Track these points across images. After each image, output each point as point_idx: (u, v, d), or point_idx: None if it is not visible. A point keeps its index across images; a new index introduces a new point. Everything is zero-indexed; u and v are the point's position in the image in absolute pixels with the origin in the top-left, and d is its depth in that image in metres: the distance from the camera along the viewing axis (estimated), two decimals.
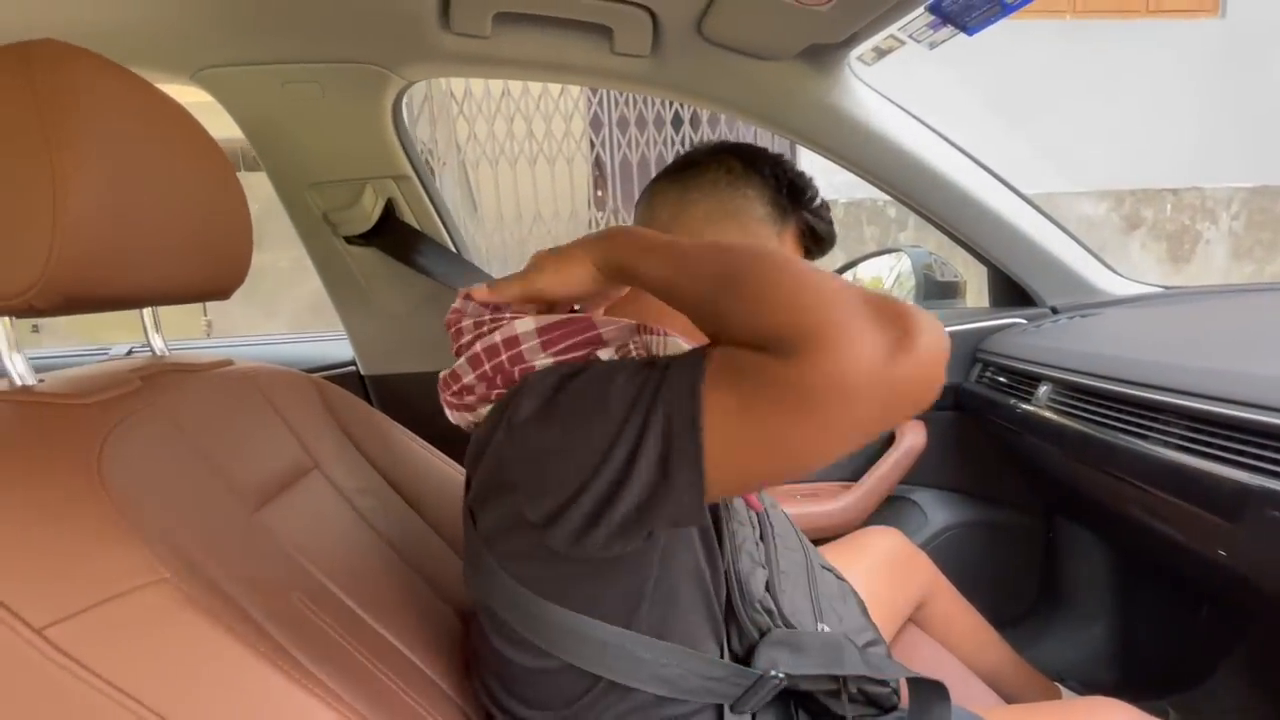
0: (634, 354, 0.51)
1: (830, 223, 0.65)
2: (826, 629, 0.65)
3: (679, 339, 0.51)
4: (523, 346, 0.52)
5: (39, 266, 0.46)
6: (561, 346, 0.51)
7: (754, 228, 0.61)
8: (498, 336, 0.52)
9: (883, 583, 0.89)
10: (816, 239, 0.65)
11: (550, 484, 0.45)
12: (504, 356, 0.52)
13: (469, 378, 0.54)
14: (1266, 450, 0.63)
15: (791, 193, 0.63)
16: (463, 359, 0.55)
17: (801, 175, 0.65)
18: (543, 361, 0.51)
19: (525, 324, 0.52)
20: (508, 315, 0.54)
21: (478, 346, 0.53)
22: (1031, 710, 0.79)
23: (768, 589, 0.63)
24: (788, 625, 0.61)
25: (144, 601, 0.42)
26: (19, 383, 0.52)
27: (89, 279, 0.49)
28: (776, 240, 0.62)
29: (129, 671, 0.41)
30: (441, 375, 0.57)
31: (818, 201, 0.65)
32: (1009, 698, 0.92)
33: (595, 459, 0.43)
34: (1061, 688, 1.03)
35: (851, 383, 0.36)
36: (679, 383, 0.41)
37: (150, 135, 0.56)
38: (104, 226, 0.49)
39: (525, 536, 0.48)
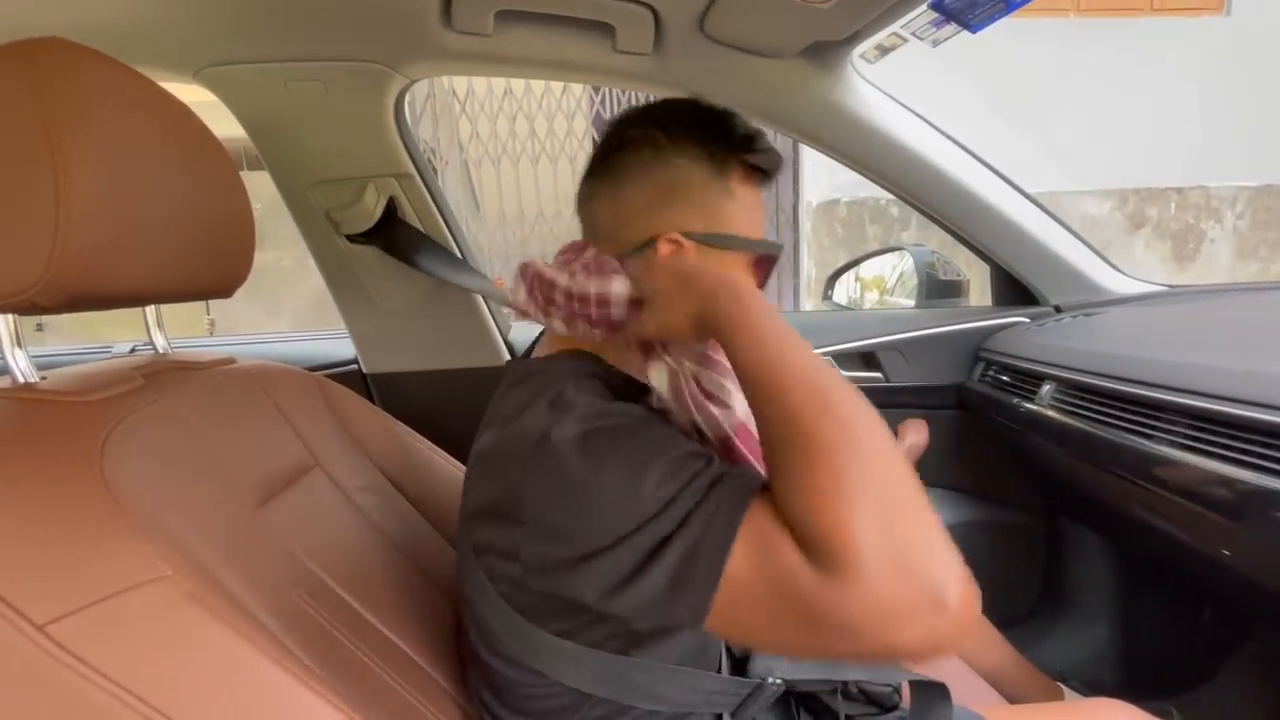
0: (683, 392, 0.51)
1: (768, 150, 0.60)
2: None
3: (729, 383, 0.51)
4: (611, 309, 0.54)
5: (42, 264, 0.46)
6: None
7: (699, 195, 0.57)
8: (592, 288, 0.55)
9: None
10: (762, 171, 0.61)
11: (555, 539, 0.45)
12: (592, 310, 0.54)
13: (559, 295, 0.56)
14: (1271, 449, 0.63)
15: (721, 139, 0.58)
16: (563, 275, 0.56)
17: (725, 115, 0.59)
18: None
19: (620, 287, 0.54)
20: (610, 269, 0.56)
21: (572, 283, 0.55)
22: (1034, 711, 0.78)
23: None
24: None
25: (145, 598, 0.42)
26: (21, 380, 0.52)
27: (91, 276, 0.49)
28: (726, 197, 0.58)
29: (130, 668, 0.41)
30: (531, 267, 0.59)
31: (751, 137, 0.59)
32: (1011, 697, 0.92)
33: (607, 541, 0.42)
34: (1065, 688, 1.03)
35: (888, 634, 0.36)
36: (723, 507, 0.41)
37: (153, 134, 0.56)
38: (107, 224, 0.49)
39: (517, 566, 0.48)
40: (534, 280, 0.58)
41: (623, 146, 0.59)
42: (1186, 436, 0.72)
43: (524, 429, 0.48)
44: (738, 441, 0.51)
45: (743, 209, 0.59)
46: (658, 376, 0.53)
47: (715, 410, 0.51)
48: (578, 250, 0.60)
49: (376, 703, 0.51)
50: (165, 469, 0.52)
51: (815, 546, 0.37)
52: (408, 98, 0.99)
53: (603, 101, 4.34)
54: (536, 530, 0.46)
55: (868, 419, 0.41)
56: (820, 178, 4.37)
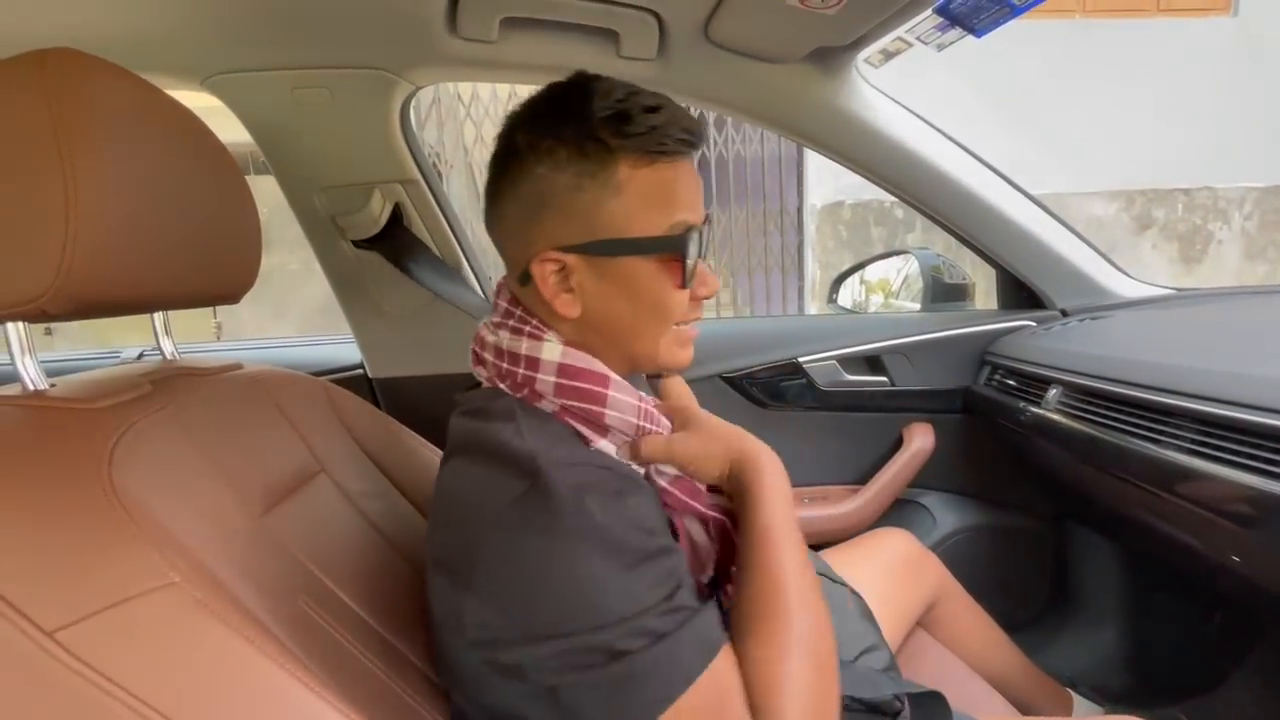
0: (620, 456, 0.53)
1: (656, 125, 0.49)
2: None
3: (668, 439, 0.55)
4: (538, 375, 0.52)
5: (52, 272, 0.46)
6: (569, 405, 0.52)
7: (568, 202, 0.51)
8: (523, 348, 0.53)
9: (892, 584, 0.89)
10: (668, 152, 0.51)
11: (503, 612, 0.45)
12: (520, 370, 0.53)
13: (488, 355, 0.56)
14: (1278, 454, 0.62)
15: (584, 128, 0.50)
16: (489, 335, 0.56)
17: (589, 97, 0.50)
18: (549, 400, 0.52)
19: (552, 352, 0.53)
20: (541, 329, 0.54)
21: (505, 339, 0.54)
22: None
23: None
24: None
25: (154, 605, 0.43)
26: (31, 387, 0.52)
27: (101, 284, 0.49)
28: (609, 195, 0.50)
29: (139, 674, 0.41)
30: (485, 324, 0.58)
31: (625, 114, 0.50)
32: (1018, 702, 0.92)
33: (564, 629, 0.43)
34: (1074, 694, 1.02)
35: None
36: (694, 647, 0.44)
37: (162, 141, 0.56)
38: (116, 232, 0.49)
39: (459, 636, 0.48)
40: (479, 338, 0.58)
41: (495, 160, 0.54)
42: (1194, 442, 0.72)
43: (492, 484, 0.47)
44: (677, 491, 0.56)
45: (638, 201, 0.51)
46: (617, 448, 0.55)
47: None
48: (500, 288, 0.59)
49: (380, 707, 0.51)
50: (172, 476, 0.52)
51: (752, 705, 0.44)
52: (413, 103, 1.00)
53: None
54: (485, 600, 0.46)
55: (821, 610, 0.50)
56: (825, 180, 4.37)
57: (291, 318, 4.83)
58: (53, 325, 0.56)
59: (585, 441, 0.53)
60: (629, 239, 0.51)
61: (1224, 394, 0.70)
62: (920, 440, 1.19)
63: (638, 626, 0.43)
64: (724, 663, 0.44)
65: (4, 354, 0.52)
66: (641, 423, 0.54)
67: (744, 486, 0.54)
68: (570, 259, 0.52)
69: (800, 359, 1.20)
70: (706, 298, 0.57)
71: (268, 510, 0.60)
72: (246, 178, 0.67)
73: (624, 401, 0.53)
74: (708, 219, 0.56)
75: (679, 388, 0.69)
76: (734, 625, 0.48)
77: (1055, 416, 0.95)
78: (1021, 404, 1.03)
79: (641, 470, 0.55)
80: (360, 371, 1.21)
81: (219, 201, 0.63)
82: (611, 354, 0.55)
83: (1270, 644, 0.99)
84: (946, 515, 1.23)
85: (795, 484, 1.21)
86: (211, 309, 0.67)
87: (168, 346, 0.72)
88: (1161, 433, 0.76)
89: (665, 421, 0.57)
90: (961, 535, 1.21)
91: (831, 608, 0.72)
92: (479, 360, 0.57)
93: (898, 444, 1.21)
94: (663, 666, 0.42)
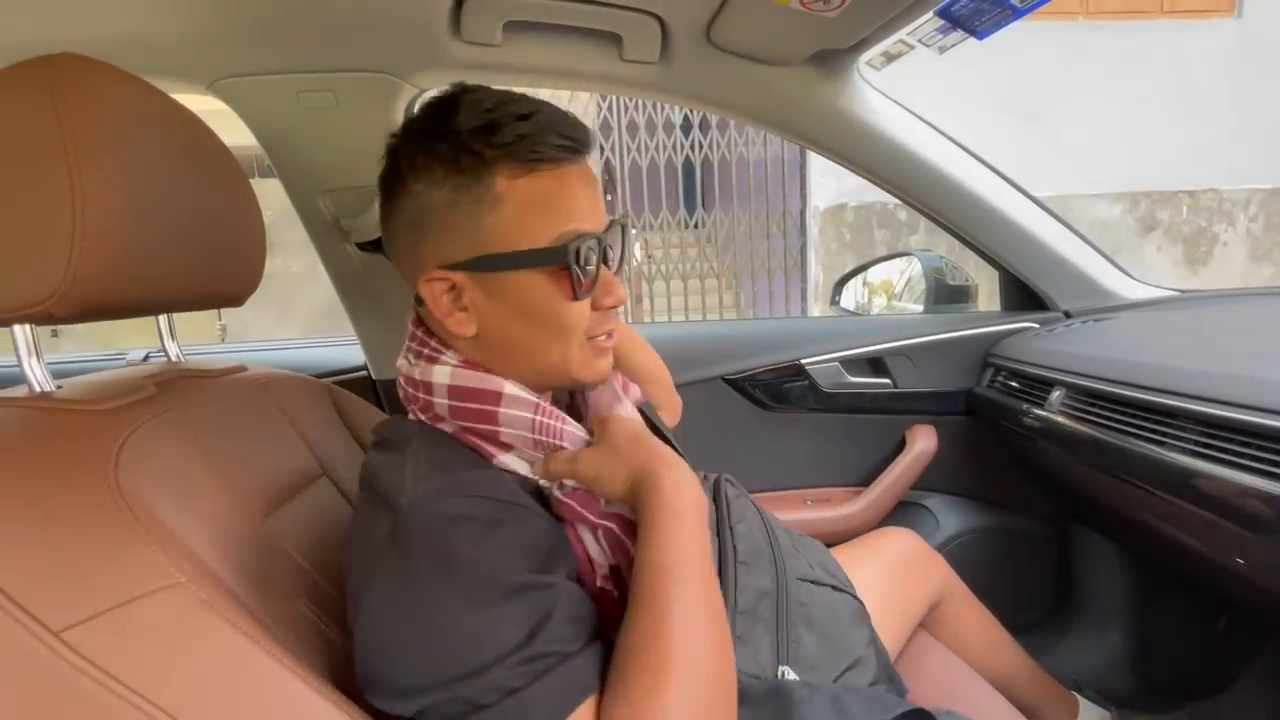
0: (529, 471, 0.53)
1: (522, 136, 0.48)
2: (789, 671, 0.62)
3: (574, 444, 0.54)
4: (433, 399, 0.53)
5: (59, 276, 0.47)
6: (466, 426, 0.53)
7: (448, 219, 0.49)
8: (416, 373, 0.54)
9: (896, 583, 0.88)
10: (546, 159, 0.49)
11: (368, 650, 0.46)
12: (419, 395, 0.54)
13: (400, 381, 0.57)
14: None
15: (458, 144, 0.48)
16: (403, 365, 0.57)
17: (454, 109, 0.49)
18: (448, 422, 0.53)
19: (442, 374, 0.53)
20: (439, 350, 0.55)
21: (406, 365, 0.56)
22: None
23: None
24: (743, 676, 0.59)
25: (160, 605, 0.43)
26: (38, 389, 0.53)
27: (107, 287, 0.50)
28: (487, 208, 0.49)
29: (145, 673, 0.41)
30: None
31: (494, 124, 0.48)
32: (1023, 705, 0.91)
33: (420, 682, 0.43)
34: (1079, 697, 1.02)
35: None
36: (551, 700, 0.42)
37: (168, 145, 0.57)
38: (123, 236, 0.50)
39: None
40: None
41: (381, 181, 0.54)
42: (1198, 444, 0.71)
43: (366, 523, 0.49)
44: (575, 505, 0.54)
45: (518, 213, 0.49)
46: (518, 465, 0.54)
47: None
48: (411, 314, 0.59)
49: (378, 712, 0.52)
50: (176, 477, 0.53)
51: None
52: (416, 105, 1.00)
53: (609, 109, 4.37)
54: (364, 647, 0.46)
55: (718, 661, 0.46)
56: (827, 183, 4.37)
57: (295, 320, 4.85)
58: (58, 327, 0.56)
59: (489, 458, 0.53)
60: (511, 253, 0.49)
61: (1228, 396, 0.69)
62: (923, 442, 1.19)
63: (491, 679, 0.42)
64: (584, 714, 0.42)
65: (10, 356, 0.52)
66: (538, 436, 0.53)
67: (639, 512, 0.50)
68: (458, 276, 0.51)
69: (803, 361, 1.20)
70: (612, 308, 0.55)
71: (270, 513, 0.61)
72: (250, 181, 0.68)
73: (517, 417, 0.52)
74: (614, 224, 0.54)
75: (646, 365, 0.69)
76: (611, 670, 0.45)
77: (1059, 418, 0.94)
78: (1025, 406, 1.03)
79: (550, 484, 0.55)
80: (364, 373, 1.22)
81: (224, 205, 0.63)
82: (519, 369, 0.54)
83: (1276, 647, 0.98)
84: (949, 517, 1.22)
85: (798, 486, 1.22)
86: (216, 311, 0.67)
87: (173, 349, 0.72)
88: (1165, 435, 0.76)
89: (573, 430, 0.55)
90: (965, 537, 1.21)
91: (826, 619, 0.71)
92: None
93: (900, 446, 1.21)
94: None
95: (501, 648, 0.43)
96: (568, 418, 0.55)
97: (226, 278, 0.65)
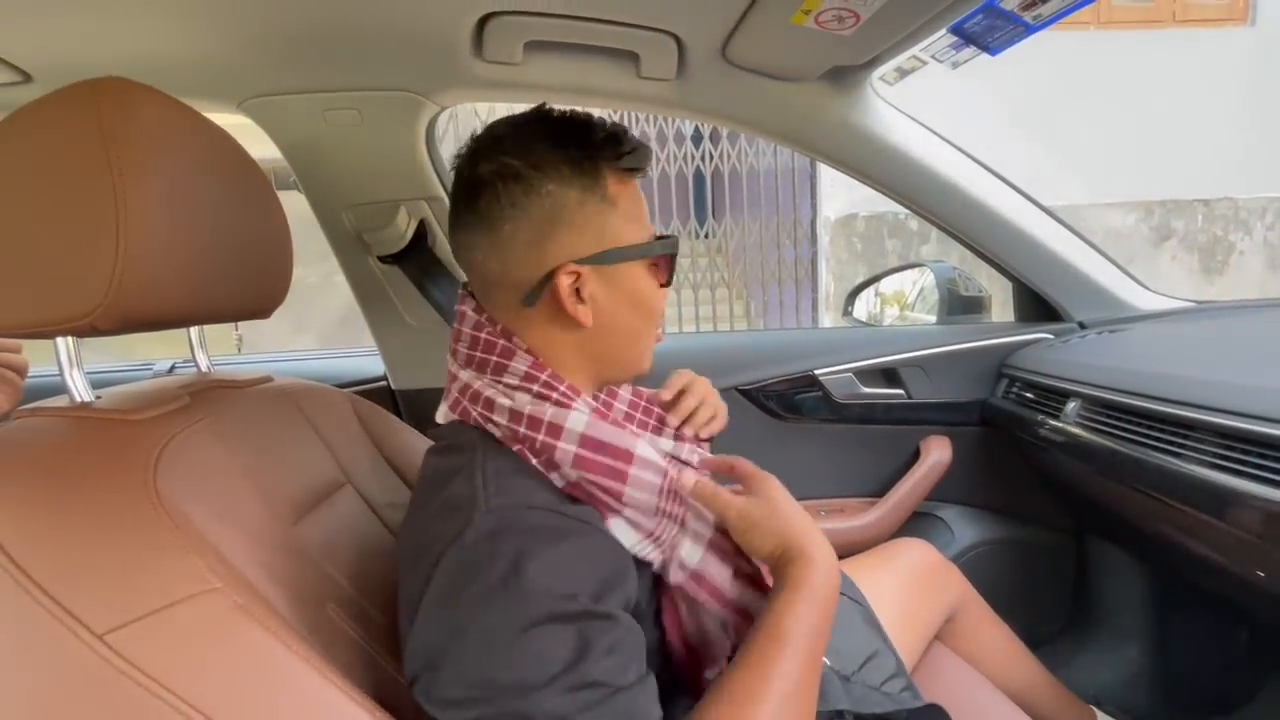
0: (644, 545, 0.52)
1: (635, 147, 0.57)
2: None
3: (697, 516, 0.54)
4: (557, 443, 0.51)
5: (102, 290, 0.48)
6: (588, 477, 0.51)
7: (580, 216, 0.54)
8: (547, 414, 0.52)
9: (911, 594, 0.88)
10: (639, 171, 0.58)
11: (427, 651, 0.46)
12: (540, 436, 0.52)
13: (502, 420, 0.53)
14: None
15: (589, 150, 0.55)
16: (503, 398, 0.54)
17: (585, 121, 0.56)
18: (567, 470, 0.51)
19: (577, 421, 0.52)
20: (565, 389, 0.54)
21: (527, 407, 0.53)
22: None
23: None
24: None
25: (198, 609, 0.44)
26: (79, 399, 0.54)
27: (147, 301, 0.52)
28: (608, 208, 0.55)
29: (184, 676, 0.42)
30: (471, 385, 0.56)
31: (617, 136, 0.56)
32: (1041, 718, 0.91)
33: (465, 692, 0.43)
34: (1098, 712, 1.01)
35: None
36: None
37: (204, 164, 0.59)
38: (163, 251, 0.52)
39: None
40: (465, 392, 0.57)
41: (484, 185, 0.54)
42: (1216, 455, 0.71)
43: (439, 525, 0.48)
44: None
45: (625, 214, 0.56)
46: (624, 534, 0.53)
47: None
48: (485, 322, 0.58)
49: (405, 714, 0.53)
50: (210, 485, 0.54)
51: None
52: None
53: (620, 119, 4.39)
54: (418, 636, 0.47)
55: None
56: (838, 193, 4.37)
57: (310, 330, 4.90)
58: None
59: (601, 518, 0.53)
60: (634, 245, 0.57)
61: (1246, 408, 0.69)
62: (937, 453, 1.19)
63: (541, 702, 0.42)
64: None
65: (47, 366, 0.54)
66: (663, 504, 0.53)
67: (783, 579, 0.51)
68: (585, 270, 0.55)
69: (816, 371, 1.20)
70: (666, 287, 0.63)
71: (297, 520, 0.62)
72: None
73: (648, 481, 0.53)
74: None
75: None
76: (695, 713, 0.45)
77: (1074, 429, 0.94)
78: (1040, 417, 1.02)
79: (657, 560, 0.54)
80: (384, 383, 1.23)
81: (255, 219, 0.65)
82: (602, 363, 0.59)
83: None
84: (965, 529, 1.22)
85: (812, 497, 1.23)
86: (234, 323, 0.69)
87: (203, 360, 0.74)
88: (1183, 446, 0.76)
89: (698, 507, 0.56)
90: (980, 549, 1.21)
91: (840, 616, 0.72)
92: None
93: (915, 457, 1.21)
94: None
95: (552, 669, 0.43)
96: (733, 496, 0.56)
97: (256, 290, 0.67)
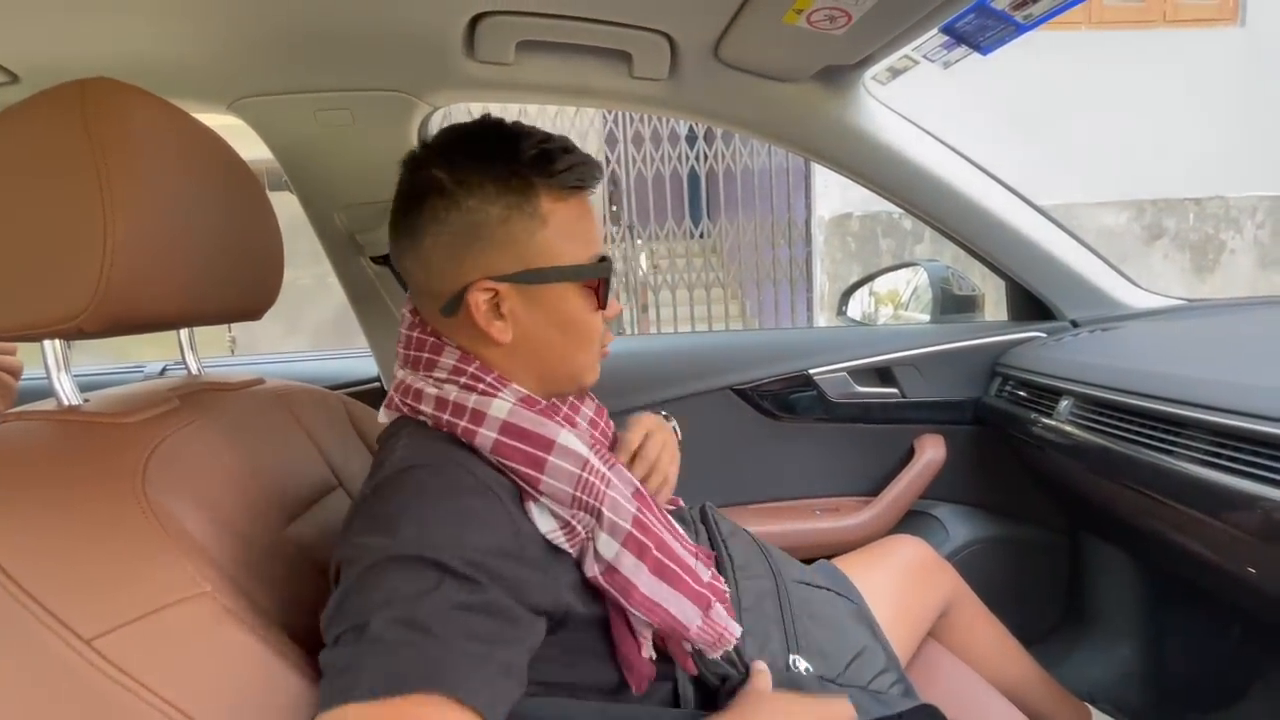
0: (559, 534, 0.53)
1: (573, 164, 0.56)
2: (798, 660, 0.65)
3: (613, 510, 0.54)
4: (478, 429, 0.53)
5: (89, 293, 0.48)
6: (507, 464, 0.52)
7: (501, 234, 0.54)
8: (471, 402, 0.54)
9: (905, 590, 0.88)
10: (581, 188, 0.57)
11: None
12: (454, 419, 0.53)
13: (428, 409, 0.55)
14: None
15: (516, 166, 0.54)
16: (431, 388, 0.55)
17: (515, 137, 0.55)
18: (486, 456, 0.52)
19: (500, 409, 0.53)
20: (491, 380, 0.56)
21: (453, 395, 0.54)
22: None
23: None
24: (749, 670, 0.61)
25: (187, 614, 0.44)
26: (66, 402, 0.54)
27: (135, 303, 0.51)
28: (537, 225, 0.55)
29: (172, 680, 0.42)
30: (406, 381, 0.58)
31: (548, 154, 0.55)
32: (1035, 715, 0.91)
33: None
34: (1093, 709, 1.01)
35: None
36: (404, 667, 0.41)
37: (192, 165, 0.58)
38: (151, 253, 0.51)
39: None
40: (398, 389, 0.58)
41: (415, 195, 0.56)
42: (1208, 453, 0.72)
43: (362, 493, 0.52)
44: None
45: (560, 232, 0.56)
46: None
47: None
48: (418, 323, 0.59)
49: None
50: (200, 489, 0.54)
51: None
52: (433, 124, 1.02)
53: (615, 121, 4.40)
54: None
55: None
56: (832, 192, 4.38)
57: (303, 332, 4.88)
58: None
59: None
60: (560, 266, 0.56)
61: (1237, 405, 0.70)
62: (931, 452, 1.19)
63: (371, 625, 0.42)
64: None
65: (35, 369, 0.54)
66: (578, 493, 0.53)
67: None
68: (503, 287, 0.55)
69: (811, 371, 1.20)
70: (614, 318, 0.63)
71: (288, 523, 0.62)
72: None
73: (563, 470, 0.53)
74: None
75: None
76: None
77: (1067, 428, 0.95)
78: (1033, 415, 1.03)
79: (573, 551, 0.54)
80: (377, 384, 1.23)
81: (246, 221, 0.65)
82: (536, 375, 0.59)
83: None
84: (959, 527, 1.22)
85: (806, 496, 1.23)
86: (227, 324, 0.69)
87: (193, 362, 0.74)
88: (1174, 444, 0.76)
89: (615, 496, 0.56)
90: (974, 547, 1.21)
91: (828, 614, 0.73)
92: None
93: (909, 456, 1.21)
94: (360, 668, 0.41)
95: (389, 598, 0.43)
96: (614, 479, 0.56)
97: (247, 292, 0.66)
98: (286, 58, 0.83)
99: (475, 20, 0.78)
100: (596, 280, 0.58)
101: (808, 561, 0.87)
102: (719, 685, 0.60)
